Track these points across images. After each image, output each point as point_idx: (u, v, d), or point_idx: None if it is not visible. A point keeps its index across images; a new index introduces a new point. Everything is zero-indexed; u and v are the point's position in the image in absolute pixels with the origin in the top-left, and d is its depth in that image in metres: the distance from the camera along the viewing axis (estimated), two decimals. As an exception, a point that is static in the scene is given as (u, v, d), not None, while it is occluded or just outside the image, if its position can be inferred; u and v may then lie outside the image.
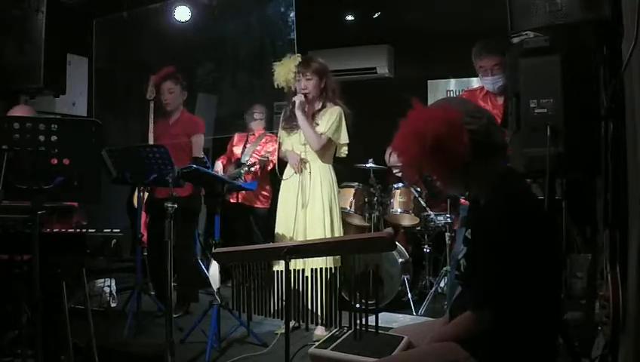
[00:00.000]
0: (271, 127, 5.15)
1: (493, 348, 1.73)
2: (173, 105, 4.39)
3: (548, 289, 1.79)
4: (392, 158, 4.95)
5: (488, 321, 1.70)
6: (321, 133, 3.74)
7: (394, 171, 4.53)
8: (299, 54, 3.91)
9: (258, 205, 5.17)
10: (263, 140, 5.19)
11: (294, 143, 3.87)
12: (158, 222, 4.26)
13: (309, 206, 3.78)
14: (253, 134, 5.27)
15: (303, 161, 3.81)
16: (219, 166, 5.24)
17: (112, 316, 4.08)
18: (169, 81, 4.36)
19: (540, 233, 1.75)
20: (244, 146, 5.25)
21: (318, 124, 3.77)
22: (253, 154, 5.13)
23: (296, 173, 3.83)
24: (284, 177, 3.93)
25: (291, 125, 3.86)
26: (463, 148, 1.71)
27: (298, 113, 3.70)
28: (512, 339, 1.73)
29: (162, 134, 4.36)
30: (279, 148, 4.02)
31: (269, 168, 4.93)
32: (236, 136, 5.36)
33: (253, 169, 4.88)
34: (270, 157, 4.84)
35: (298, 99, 3.70)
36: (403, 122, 1.80)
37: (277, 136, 4.31)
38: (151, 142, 4.39)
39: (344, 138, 3.80)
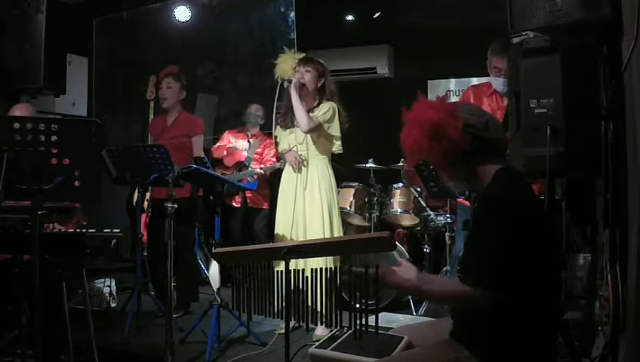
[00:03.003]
0: (270, 127, 5.16)
1: (494, 347, 1.74)
2: (170, 102, 4.37)
3: (547, 288, 1.79)
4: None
5: (485, 299, 1.69)
6: (313, 116, 3.73)
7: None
8: (303, 53, 3.92)
9: (265, 207, 5.17)
10: (264, 143, 5.19)
11: (291, 142, 3.86)
12: (158, 222, 4.27)
13: (308, 205, 3.78)
14: (254, 135, 5.26)
15: (301, 158, 3.81)
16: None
17: (112, 316, 4.08)
18: (170, 77, 4.37)
19: (536, 223, 1.77)
20: (248, 147, 5.23)
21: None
22: (255, 157, 5.13)
23: (295, 171, 3.83)
24: (282, 177, 3.94)
25: (287, 122, 3.86)
26: (459, 135, 1.80)
27: (292, 92, 3.69)
28: (512, 339, 1.73)
29: (161, 134, 4.35)
30: (276, 147, 4.02)
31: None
32: (231, 134, 5.32)
33: (261, 171, 4.87)
34: (275, 162, 4.89)
35: (294, 81, 3.71)
36: (406, 112, 1.91)
37: (273, 137, 4.30)
38: (149, 140, 4.39)
39: (336, 130, 3.79)
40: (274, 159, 5.02)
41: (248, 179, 4.96)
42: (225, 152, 5.21)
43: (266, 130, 5.19)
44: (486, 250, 1.72)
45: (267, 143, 5.17)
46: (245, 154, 5.18)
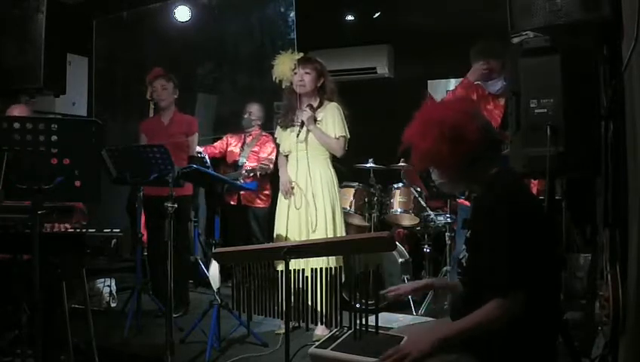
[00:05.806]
0: (269, 127, 5.14)
1: (494, 347, 1.73)
2: (167, 102, 4.46)
3: (547, 288, 1.79)
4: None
5: (519, 304, 1.66)
6: (336, 137, 3.76)
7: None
8: (301, 53, 3.92)
9: (259, 205, 5.17)
10: (260, 141, 5.19)
11: (292, 141, 3.86)
12: (153, 221, 4.28)
13: (311, 205, 3.78)
14: (250, 134, 5.26)
15: (291, 188, 3.81)
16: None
17: (112, 316, 4.08)
18: (162, 79, 4.42)
19: (536, 222, 1.76)
20: (242, 148, 5.24)
21: (317, 120, 3.78)
22: (251, 155, 5.12)
23: (285, 198, 3.84)
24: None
25: (287, 122, 3.87)
26: (477, 137, 1.77)
27: (312, 128, 3.73)
28: (512, 339, 1.73)
29: (157, 134, 4.37)
30: (277, 147, 4.02)
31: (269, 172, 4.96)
32: (230, 137, 5.34)
33: (252, 175, 4.87)
34: (270, 164, 4.87)
35: (306, 115, 3.72)
36: (419, 113, 1.84)
37: (273, 137, 4.26)
38: (143, 140, 4.41)
39: (347, 132, 3.84)
40: (271, 157, 5.02)
41: (240, 178, 4.97)
42: (217, 150, 5.27)
43: (266, 130, 5.20)
44: (495, 255, 1.70)
45: (262, 141, 5.17)
46: (237, 151, 5.21)
